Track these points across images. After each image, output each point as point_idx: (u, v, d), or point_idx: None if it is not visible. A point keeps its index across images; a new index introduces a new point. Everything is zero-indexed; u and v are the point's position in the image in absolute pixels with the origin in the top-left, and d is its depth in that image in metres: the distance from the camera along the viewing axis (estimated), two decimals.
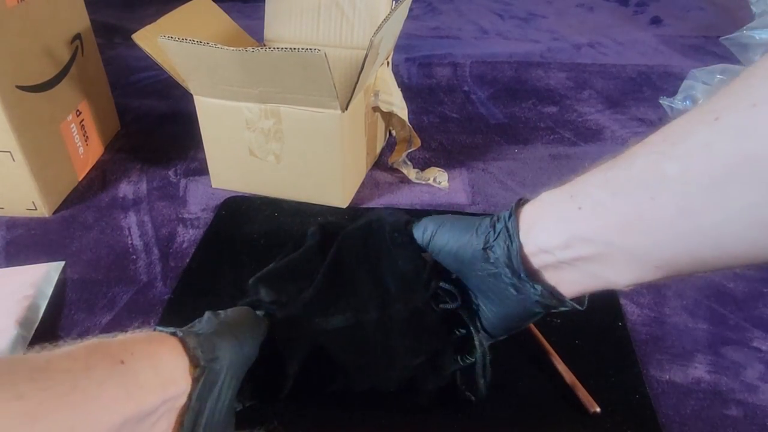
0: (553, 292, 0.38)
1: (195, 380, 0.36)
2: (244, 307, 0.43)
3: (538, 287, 0.37)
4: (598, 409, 0.48)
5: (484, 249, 0.39)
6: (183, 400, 0.35)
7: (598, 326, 0.57)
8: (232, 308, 0.43)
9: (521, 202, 0.39)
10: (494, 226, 0.39)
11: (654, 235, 0.32)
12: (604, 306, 0.59)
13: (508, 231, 0.38)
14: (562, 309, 0.39)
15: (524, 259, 0.37)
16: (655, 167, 0.31)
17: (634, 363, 0.53)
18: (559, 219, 0.36)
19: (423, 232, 0.43)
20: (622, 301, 0.60)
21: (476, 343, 0.43)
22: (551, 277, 0.38)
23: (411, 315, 0.43)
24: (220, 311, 0.42)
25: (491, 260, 0.39)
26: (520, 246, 0.37)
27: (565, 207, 0.35)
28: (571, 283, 0.37)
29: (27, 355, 0.31)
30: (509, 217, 0.38)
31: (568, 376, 0.51)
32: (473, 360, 0.44)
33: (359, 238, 0.45)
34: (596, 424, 0.48)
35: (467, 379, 0.46)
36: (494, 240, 0.38)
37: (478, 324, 0.43)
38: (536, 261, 0.37)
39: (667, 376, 0.53)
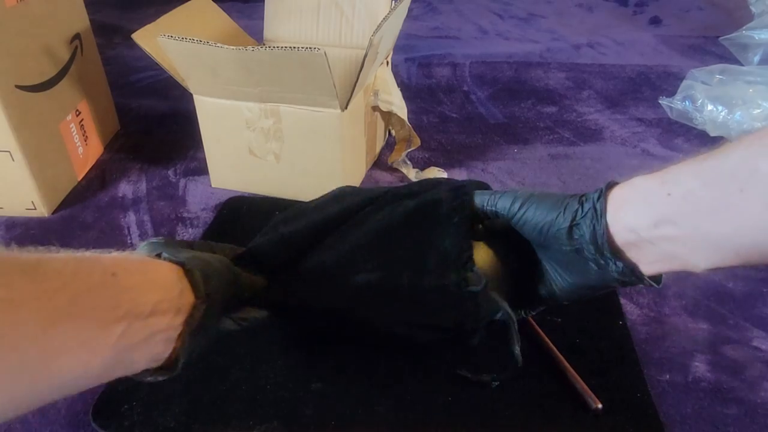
0: (633, 270, 0.40)
1: (195, 308, 0.37)
2: (216, 256, 0.45)
3: (620, 264, 0.40)
4: (600, 405, 0.48)
5: (570, 227, 0.41)
6: (177, 328, 0.36)
7: (598, 325, 0.57)
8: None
9: (611, 185, 0.41)
10: (582, 205, 0.41)
11: (737, 225, 0.35)
12: (604, 305, 0.59)
13: (596, 210, 0.40)
14: (637, 284, 0.42)
15: (609, 238, 0.40)
16: (748, 162, 0.34)
17: (635, 362, 0.53)
18: (648, 202, 0.38)
19: (511, 203, 0.45)
20: (622, 300, 0.60)
21: (512, 333, 0.46)
22: (633, 256, 0.40)
23: (438, 291, 0.44)
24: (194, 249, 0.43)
25: (575, 236, 0.41)
26: (606, 225, 0.40)
27: (655, 191, 0.38)
28: (650, 262, 0.40)
29: (16, 252, 0.30)
30: (598, 197, 0.40)
31: (570, 373, 0.51)
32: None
33: (417, 206, 0.47)
34: (598, 423, 0.48)
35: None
36: (581, 218, 0.41)
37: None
38: (620, 239, 0.40)
39: (667, 376, 0.53)
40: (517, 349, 0.47)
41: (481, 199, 0.47)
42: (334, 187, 0.73)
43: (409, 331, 0.46)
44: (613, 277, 0.41)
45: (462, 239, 0.46)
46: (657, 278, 0.42)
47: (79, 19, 0.83)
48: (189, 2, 0.80)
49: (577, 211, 0.41)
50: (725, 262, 0.37)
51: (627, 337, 0.56)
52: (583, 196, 0.42)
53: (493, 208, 0.46)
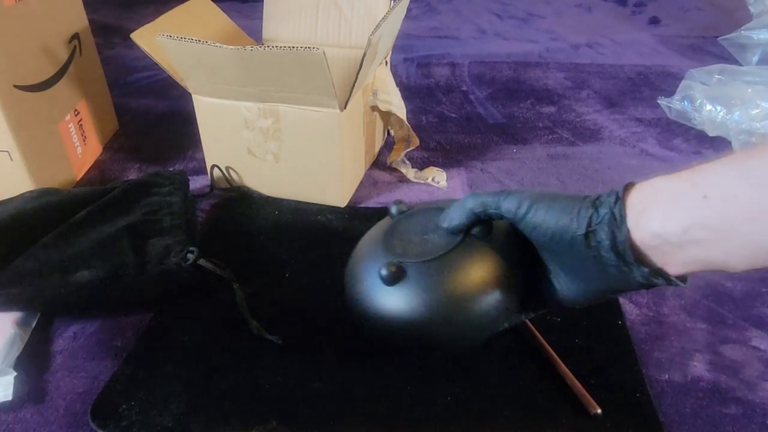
0: (661, 273, 0.38)
1: None
2: None
3: (645, 270, 0.38)
4: (599, 411, 0.48)
5: (587, 233, 0.39)
6: None
7: (597, 325, 0.57)
8: None
9: (627, 187, 0.39)
10: (597, 210, 0.39)
11: None
12: (603, 305, 0.59)
13: (614, 216, 0.38)
14: (662, 286, 0.40)
15: (631, 244, 0.38)
16: None
17: (634, 362, 0.53)
18: (680, 207, 0.36)
19: (517, 207, 0.42)
20: (621, 300, 0.60)
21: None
22: (658, 260, 0.38)
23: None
24: None
25: (593, 243, 0.39)
26: (628, 231, 0.37)
27: (687, 194, 0.36)
28: (678, 265, 0.38)
29: None
30: (615, 201, 0.38)
31: (569, 377, 0.51)
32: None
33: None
34: (597, 424, 0.48)
35: None
36: (597, 224, 0.38)
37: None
38: (644, 245, 0.38)
39: (666, 376, 0.53)
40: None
41: (482, 201, 0.44)
42: (333, 187, 0.74)
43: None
44: (637, 282, 0.39)
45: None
46: (683, 278, 0.40)
47: (78, 19, 0.83)
48: (188, 2, 0.79)
49: (592, 216, 0.39)
50: (764, 264, 0.36)
51: (626, 336, 0.56)
52: (597, 198, 0.39)
53: (498, 211, 0.43)
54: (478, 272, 0.44)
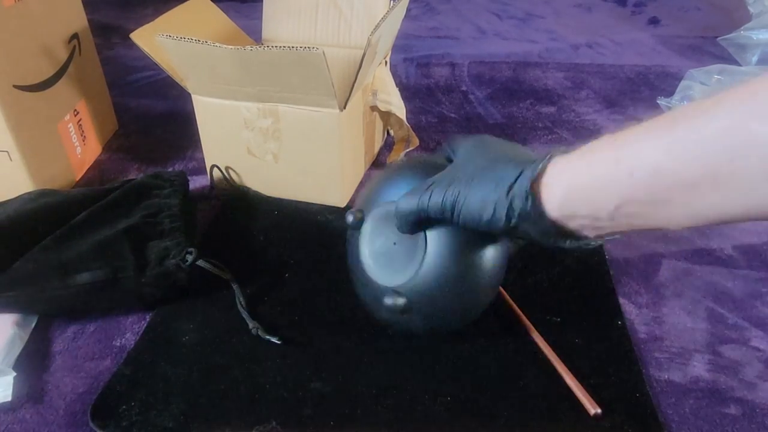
0: (587, 243, 0.38)
1: None
2: None
3: (572, 242, 0.38)
4: (599, 411, 0.48)
5: (510, 228, 0.39)
6: None
7: (597, 325, 0.57)
8: None
9: (540, 172, 0.37)
10: (512, 203, 0.38)
11: (725, 195, 0.31)
12: (603, 305, 0.59)
13: (530, 215, 0.37)
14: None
15: (558, 226, 0.37)
16: (738, 128, 0.29)
17: (634, 362, 0.53)
18: (605, 187, 0.35)
19: (442, 212, 0.42)
20: (621, 300, 0.60)
21: None
22: (589, 233, 0.38)
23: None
24: None
25: (520, 232, 0.39)
26: (553, 222, 0.37)
27: (612, 175, 0.34)
28: (607, 230, 0.37)
29: None
30: (526, 198, 0.37)
31: (569, 377, 0.51)
32: None
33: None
34: (597, 424, 0.48)
35: None
36: (517, 220, 0.38)
37: None
38: (572, 225, 0.37)
39: (666, 375, 0.53)
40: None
41: (410, 204, 0.44)
42: (333, 187, 0.74)
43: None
44: (561, 247, 0.39)
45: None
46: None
47: (78, 19, 0.83)
48: (187, 2, 0.79)
49: (509, 211, 0.38)
50: (703, 225, 0.34)
51: (626, 336, 0.56)
52: (510, 187, 0.38)
53: (438, 216, 0.43)
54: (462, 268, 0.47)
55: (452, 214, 0.42)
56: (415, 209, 0.44)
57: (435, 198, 0.43)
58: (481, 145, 0.45)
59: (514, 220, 0.38)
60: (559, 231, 0.38)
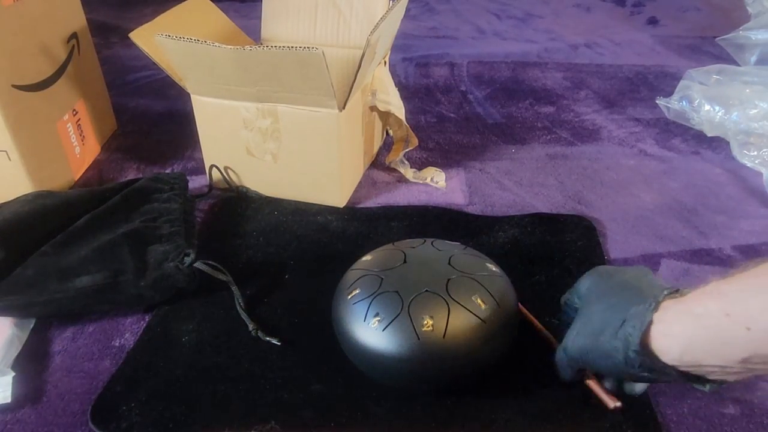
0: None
1: None
2: None
3: (712, 386, 0.39)
4: (618, 404, 0.47)
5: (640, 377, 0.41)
6: None
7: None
8: None
9: (647, 327, 0.38)
10: (627, 356, 0.39)
11: None
12: None
13: (649, 364, 0.39)
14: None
15: (683, 371, 0.39)
16: None
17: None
18: (724, 342, 0.35)
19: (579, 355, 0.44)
20: None
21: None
22: (720, 377, 0.38)
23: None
24: None
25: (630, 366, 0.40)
26: (673, 368, 0.38)
27: (726, 328, 0.35)
28: (743, 375, 0.38)
29: None
30: (636, 352, 0.38)
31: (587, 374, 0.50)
32: None
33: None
34: (596, 424, 0.48)
35: None
36: (637, 371, 0.40)
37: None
38: (700, 372, 0.38)
39: None
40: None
41: (560, 358, 0.47)
42: (332, 187, 0.74)
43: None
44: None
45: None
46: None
47: (76, 18, 0.83)
48: (187, 1, 0.79)
49: (627, 362, 0.39)
50: None
51: None
52: (624, 342, 0.39)
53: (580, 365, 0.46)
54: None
55: (581, 360, 0.45)
56: (565, 363, 0.47)
57: (571, 353, 0.45)
58: (596, 290, 0.46)
59: (636, 370, 0.40)
60: (688, 376, 0.39)
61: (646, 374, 0.40)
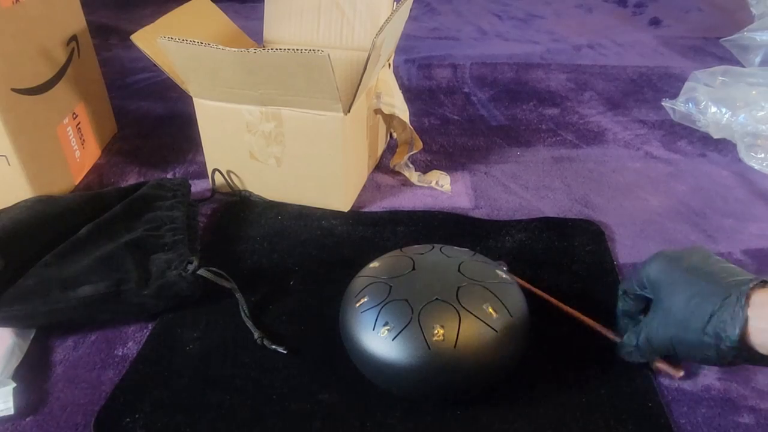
0: None
1: None
2: None
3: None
4: (682, 373, 0.51)
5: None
6: None
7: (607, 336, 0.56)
8: None
9: (744, 324, 0.40)
10: (719, 350, 0.41)
11: None
12: (612, 313, 0.58)
13: (745, 355, 0.41)
14: None
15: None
16: None
17: (646, 371, 0.52)
18: None
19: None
20: None
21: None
22: None
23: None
24: None
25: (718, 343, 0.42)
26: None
27: None
28: None
29: None
30: (733, 347, 0.40)
31: (582, 318, 0.55)
32: None
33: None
34: None
35: None
36: (731, 360, 0.42)
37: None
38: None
39: (677, 384, 0.52)
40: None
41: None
42: (336, 192, 0.73)
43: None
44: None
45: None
46: None
47: (76, 21, 0.82)
48: (188, 3, 0.78)
49: (719, 353, 0.41)
50: None
51: None
52: (718, 332, 0.41)
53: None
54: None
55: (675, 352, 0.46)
56: (646, 352, 0.49)
57: (657, 344, 0.47)
58: (666, 278, 0.47)
59: (731, 359, 0.42)
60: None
61: (741, 363, 0.42)
